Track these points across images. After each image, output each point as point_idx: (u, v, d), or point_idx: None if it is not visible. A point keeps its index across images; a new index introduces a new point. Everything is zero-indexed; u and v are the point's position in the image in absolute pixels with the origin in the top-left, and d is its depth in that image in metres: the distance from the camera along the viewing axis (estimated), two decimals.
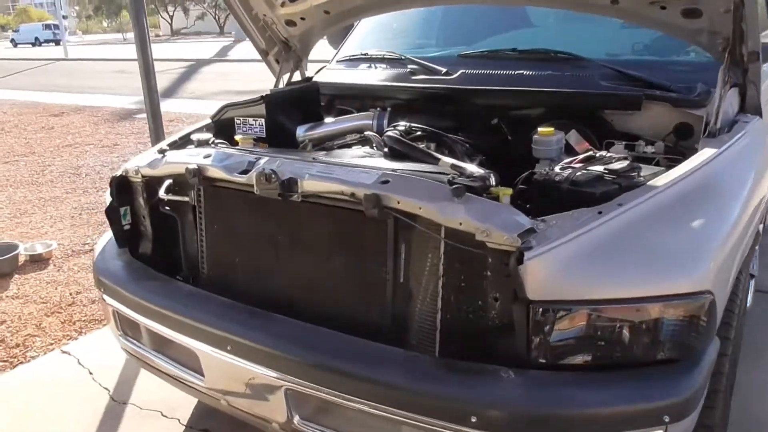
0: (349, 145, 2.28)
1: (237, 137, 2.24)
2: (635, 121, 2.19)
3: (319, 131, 2.55)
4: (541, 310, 1.35)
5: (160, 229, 2.13)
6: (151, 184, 2.07)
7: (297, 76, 3.07)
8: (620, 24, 2.61)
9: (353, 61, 3.04)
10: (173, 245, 2.14)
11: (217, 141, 2.19)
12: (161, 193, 2.01)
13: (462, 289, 1.55)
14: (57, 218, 5.22)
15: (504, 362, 1.43)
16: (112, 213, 2.11)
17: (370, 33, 3.30)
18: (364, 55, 2.98)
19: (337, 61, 3.16)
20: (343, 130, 2.51)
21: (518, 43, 2.66)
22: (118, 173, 2.12)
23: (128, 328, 2.06)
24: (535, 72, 2.37)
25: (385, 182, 1.56)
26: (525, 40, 2.75)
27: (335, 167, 1.68)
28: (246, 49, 27.22)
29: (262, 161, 1.78)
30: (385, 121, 2.46)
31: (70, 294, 3.79)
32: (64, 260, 4.31)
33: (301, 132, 2.57)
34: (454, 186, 1.46)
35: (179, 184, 2.03)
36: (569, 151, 2.13)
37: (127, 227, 2.16)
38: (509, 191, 1.55)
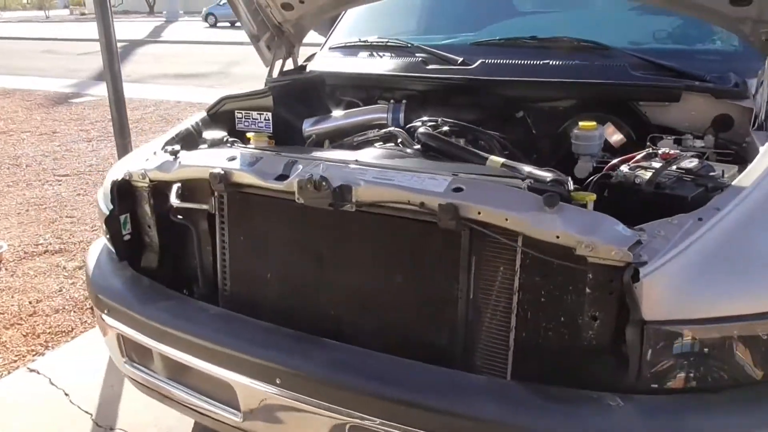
0: (370, 142, 2.09)
1: (249, 135, 2.00)
2: (671, 114, 2.10)
3: (327, 125, 2.35)
4: (657, 330, 1.22)
5: (167, 239, 1.88)
6: (159, 189, 1.82)
7: (288, 65, 2.84)
8: (638, 10, 2.52)
9: (350, 48, 2.83)
10: (182, 258, 1.90)
11: (230, 139, 1.94)
12: (173, 199, 1.77)
13: (543, 306, 1.41)
14: (1, 215, 4.76)
15: (597, 386, 1.31)
16: (111, 222, 1.84)
17: (361, 19, 3.08)
18: (363, 42, 2.77)
19: (331, 48, 2.94)
20: (354, 124, 2.32)
21: (526, 30, 2.52)
22: (120, 177, 1.84)
23: (136, 354, 1.82)
24: (562, 61, 2.24)
25: (458, 190, 1.39)
26: (535, 26, 2.62)
27: (392, 172, 1.49)
28: (180, 29, 26.10)
29: (300, 165, 1.57)
30: (401, 114, 2.28)
31: (30, 302, 3.43)
32: (17, 263, 3.91)
33: (307, 126, 2.36)
34: (547, 194, 1.30)
35: (192, 189, 1.79)
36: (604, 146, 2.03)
37: (127, 237, 1.90)
38: (593, 197, 1.41)
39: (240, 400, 1.55)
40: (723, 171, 1.61)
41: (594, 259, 1.26)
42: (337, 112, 2.39)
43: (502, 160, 1.71)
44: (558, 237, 1.28)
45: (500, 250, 1.42)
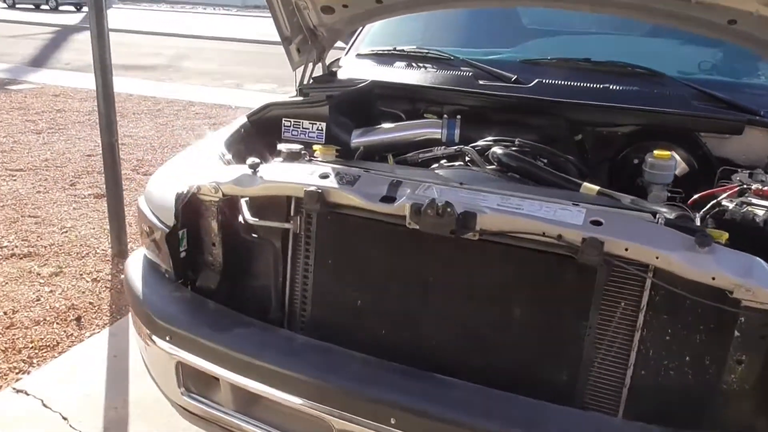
0: (436, 159, 2.00)
1: (316, 147, 1.86)
2: (731, 146, 2.12)
3: (376, 137, 2.24)
4: None
5: (231, 258, 1.72)
6: (229, 204, 1.66)
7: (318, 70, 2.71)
8: (684, 38, 2.54)
9: (384, 56, 2.72)
10: (245, 279, 1.74)
11: (302, 151, 1.79)
12: (247, 216, 1.61)
13: (668, 344, 1.36)
14: None
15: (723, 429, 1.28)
16: (172, 238, 1.66)
17: (388, 25, 2.98)
18: (400, 50, 2.68)
19: (359, 56, 2.82)
20: (406, 138, 2.22)
21: (567, 51, 2.51)
22: (186, 190, 1.66)
23: (197, 385, 1.64)
24: (621, 87, 2.22)
25: (597, 223, 1.33)
26: (577, 48, 2.61)
27: (515, 199, 1.41)
28: (121, 17, 24.86)
29: (408, 188, 1.47)
30: (457, 131, 2.20)
31: (5, 313, 3.12)
32: None
33: (355, 138, 2.24)
34: (699, 233, 1.26)
35: (265, 206, 1.64)
36: None
37: (183, 254, 1.72)
38: (726, 235, 1.38)
39: None
40: None
41: (751, 303, 1.22)
42: (386, 125, 2.28)
43: (596, 187, 1.67)
44: (714, 278, 1.23)
45: (632, 287, 1.36)
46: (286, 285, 1.66)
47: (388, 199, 1.46)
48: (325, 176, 1.55)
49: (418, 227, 1.41)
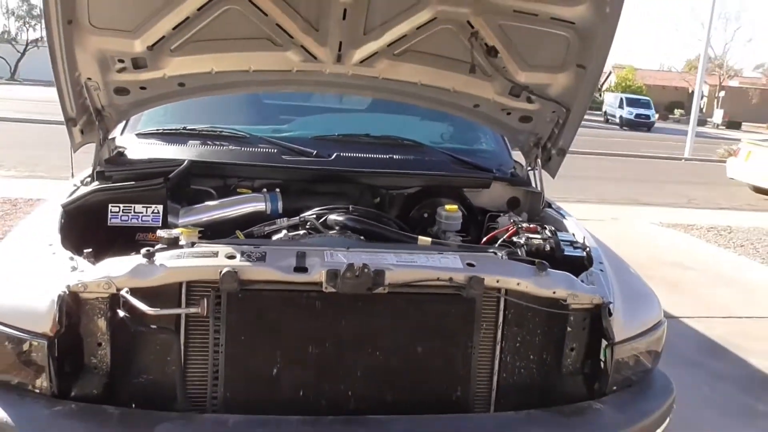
0: (279, 230, 2.18)
1: (183, 230, 1.83)
2: (483, 197, 2.79)
3: (203, 216, 2.31)
4: (618, 348, 1.77)
5: (120, 356, 1.61)
6: (117, 299, 1.57)
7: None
8: (423, 116, 3.20)
9: (170, 135, 2.76)
10: (138, 373, 1.64)
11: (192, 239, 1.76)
12: (144, 308, 1.55)
13: (522, 346, 1.83)
14: None
15: (570, 400, 1.80)
16: (54, 346, 1.49)
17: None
18: (191, 130, 2.75)
19: (140, 135, 2.78)
20: (232, 214, 2.34)
21: (336, 127, 2.97)
22: (65, 289, 1.51)
23: None
24: (399, 156, 2.73)
25: (471, 265, 1.72)
26: (343, 124, 3.07)
27: (407, 255, 1.72)
28: None
29: (314, 257, 1.66)
30: (279, 203, 2.41)
31: None
32: None
33: (182, 219, 2.27)
34: (538, 262, 1.76)
35: (156, 295, 1.61)
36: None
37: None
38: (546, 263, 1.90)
39: None
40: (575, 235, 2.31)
41: (576, 305, 1.76)
42: (209, 202, 2.36)
43: (429, 239, 2.09)
44: (554, 292, 1.74)
45: (493, 309, 1.80)
46: (211, 368, 1.64)
47: (301, 269, 1.62)
48: (231, 256, 1.62)
49: (335, 290, 1.61)
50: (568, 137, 2.66)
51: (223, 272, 1.56)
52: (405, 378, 1.76)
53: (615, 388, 1.82)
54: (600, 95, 38.21)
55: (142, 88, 2.43)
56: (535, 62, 2.44)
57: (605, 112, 35.83)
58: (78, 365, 1.59)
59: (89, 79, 2.32)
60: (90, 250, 1.71)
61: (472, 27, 2.29)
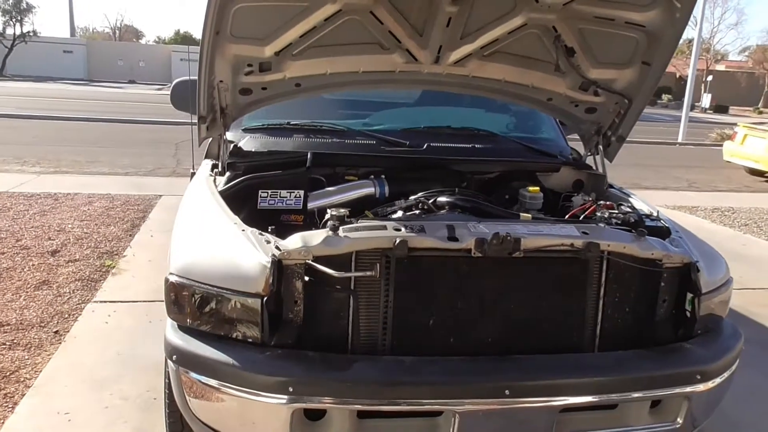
0: (407, 208, 2.51)
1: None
2: (553, 179, 3.16)
3: (327, 200, 2.66)
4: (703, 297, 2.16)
5: (310, 312, 1.97)
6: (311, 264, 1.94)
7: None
8: (493, 107, 3.55)
9: (275, 130, 3.10)
10: (321, 326, 2.00)
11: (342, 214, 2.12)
12: (331, 272, 1.90)
13: (620, 300, 2.20)
14: None
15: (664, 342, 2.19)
16: (270, 303, 1.87)
17: None
18: (294, 125, 3.09)
19: (246, 130, 3.12)
20: (351, 198, 2.70)
21: (417, 121, 3.33)
22: (274, 256, 1.88)
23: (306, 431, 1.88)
24: (482, 145, 3.10)
25: (585, 233, 2.09)
26: (421, 118, 3.42)
27: (534, 226, 2.10)
28: None
29: (463, 229, 2.02)
30: (386, 187, 2.77)
31: None
32: None
33: (311, 202, 2.62)
34: (639, 230, 2.14)
35: (338, 262, 1.97)
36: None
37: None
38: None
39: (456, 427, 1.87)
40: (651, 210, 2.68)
41: (669, 265, 2.14)
42: (329, 189, 2.71)
43: (529, 215, 2.46)
44: (652, 254, 2.12)
45: (601, 268, 2.17)
46: (381, 320, 2.00)
47: (453, 238, 1.98)
48: (398, 229, 1.98)
49: (481, 255, 1.97)
50: (627, 126, 3.03)
51: (397, 241, 1.92)
52: (534, 326, 2.12)
53: (699, 332, 2.21)
54: None
55: (263, 88, 2.76)
56: (605, 60, 2.79)
57: None
58: (279, 320, 1.95)
59: (221, 81, 2.65)
60: (274, 227, 2.06)
61: (556, 31, 2.64)
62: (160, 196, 7.33)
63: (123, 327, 3.78)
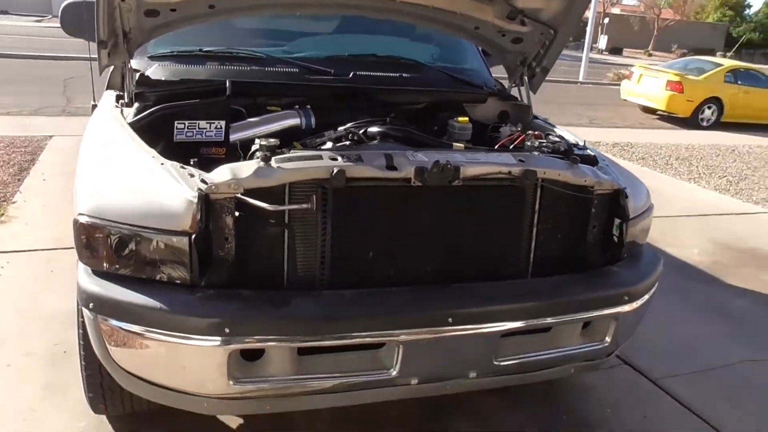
0: (334, 141, 2.38)
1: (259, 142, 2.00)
2: (479, 110, 3.12)
3: (250, 132, 2.48)
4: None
5: (242, 248, 1.83)
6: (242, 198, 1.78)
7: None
8: (417, 35, 3.43)
9: (187, 57, 2.84)
10: (255, 263, 1.87)
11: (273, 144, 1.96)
12: (265, 205, 1.76)
13: (553, 227, 2.22)
14: None
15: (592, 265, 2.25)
16: (199, 240, 1.71)
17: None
18: (207, 52, 2.84)
19: (152, 57, 2.83)
20: (273, 130, 2.53)
21: (339, 48, 3.16)
22: (201, 190, 1.71)
23: (243, 372, 1.78)
24: (409, 75, 2.99)
25: (521, 161, 2.07)
26: (342, 45, 3.25)
27: (471, 154, 2.04)
28: None
29: (401, 158, 1.93)
30: (312, 118, 2.63)
31: None
32: None
33: (233, 134, 2.44)
34: (572, 157, 2.14)
35: (271, 194, 1.83)
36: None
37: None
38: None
39: (401, 355, 1.84)
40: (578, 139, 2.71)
41: (600, 191, 2.17)
42: (251, 120, 2.52)
43: (462, 144, 2.41)
44: (585, 181, 2.14)
45: (532, 195, 2.16)
46: (319, 253, 1.90)
47: (392, 167, 1.90)
48: (334, 158, 1.86)
49: (421, 184, 1.90)
50: (552, 57, 3.03)
51: (335, 171, 1.80)
52: (471, 254, 2.10)
53: (626, 256, 2.28)
54: None
55: (172, 9, 2.48)
56: None
57: None
58: (208, 258, 1.81)
59: (123, 0, 2.36)
60: (196, 159, 1.88)
61: None
62: (51, 136, 6.71)
63: (20, 279, 3.46)
